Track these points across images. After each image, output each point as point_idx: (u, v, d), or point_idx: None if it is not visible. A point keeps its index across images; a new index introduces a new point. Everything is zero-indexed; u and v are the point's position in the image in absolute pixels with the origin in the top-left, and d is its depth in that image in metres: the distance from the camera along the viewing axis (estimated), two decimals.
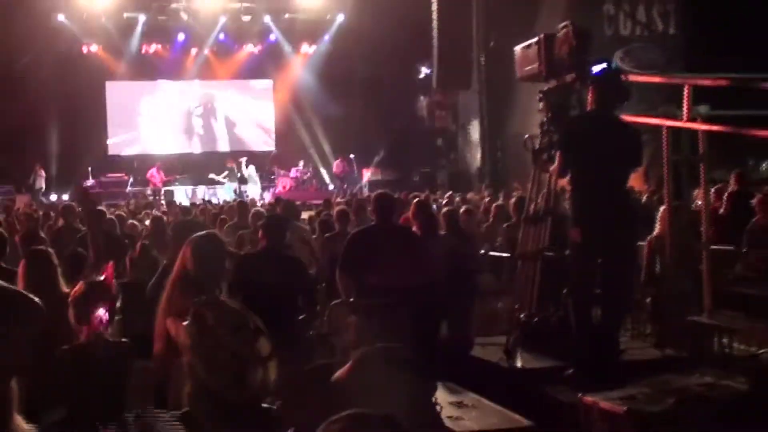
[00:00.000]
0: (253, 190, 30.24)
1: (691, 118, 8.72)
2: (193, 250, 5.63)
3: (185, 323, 3.54)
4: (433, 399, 3.21)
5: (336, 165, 32.17)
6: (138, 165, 31.83)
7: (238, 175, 30.86)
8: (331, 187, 31.15)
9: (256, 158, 32.47)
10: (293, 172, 31.82)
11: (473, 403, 6.05)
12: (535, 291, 8.17)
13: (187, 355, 3.51)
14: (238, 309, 3.50)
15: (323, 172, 33.37)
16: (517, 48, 8.91)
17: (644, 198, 14.92)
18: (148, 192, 29.71)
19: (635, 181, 14.91)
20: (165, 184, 30.85)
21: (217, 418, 3.22)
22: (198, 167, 32.31)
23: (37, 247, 7.04)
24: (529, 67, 8.58)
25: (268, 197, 28.50)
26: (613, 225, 7.24)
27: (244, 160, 31.46)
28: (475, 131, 28.39)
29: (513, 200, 12.17)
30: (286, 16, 32.69)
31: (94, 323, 5.52)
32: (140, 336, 5.80)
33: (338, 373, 3.07)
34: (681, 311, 8.58)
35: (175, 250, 6.13)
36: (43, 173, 29.68)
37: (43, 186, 29.44)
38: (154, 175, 30.83)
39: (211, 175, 31.05)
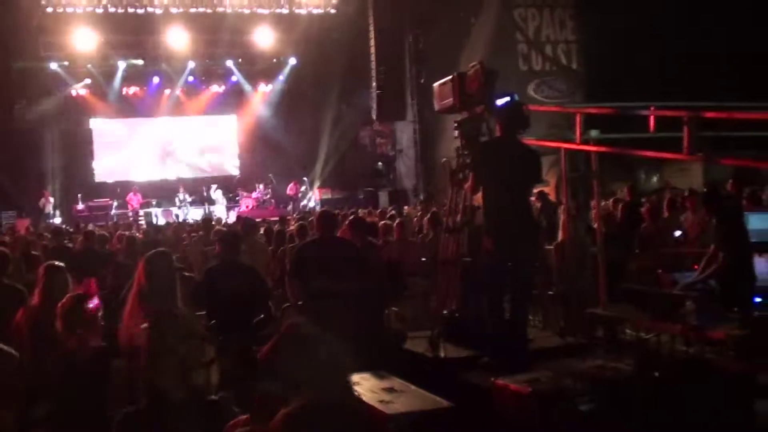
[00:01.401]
0: (220, 210, 30.18)
1: (584, 141, 8.83)
2: (145, 266, 5.61)
3: (143, 330, 3.54)
4: (348, 375, 3.15)
5: (290, 187, 32.12)
6: (121, 190, 31.50)
7: (205, 195, 31.17)
8: (290, 206, 31.07)
9: (221, 182, 32.46)
10: (255, 194, 31.69)
11: (402, 389, 6.04)
12: (455, 291, 8.21)
13: (143, 358, 3.50)
14: (189, 319, 3.51)
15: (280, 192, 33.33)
16: (435, 85, 8.96)
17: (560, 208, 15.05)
18: (129, 214, 29.43)
19: (551, 193, 15.06)
20: (142, 206, 30.57)
21: (165, 412, 3.22)
22: (172, 191, 32.01)
23: (53, 263, 7.02)
24: (446, 101, 8.63)
25: (233, 216, 28.45)
26: (517, 234, 7.30)
27: (213, 186, 31.60)
28: (410, 155, 28.50)
29: (428, 216, 12.26)
30: (245, 60, 32.55)
31: (78, 331, 5.50)
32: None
33: (263, 350, 3.02)
34: (580, 305, 8.67)
35: None
36: (51, 199, 29.37)
37: (51, 210, 29.11)
38: (132, 198, 30.61)
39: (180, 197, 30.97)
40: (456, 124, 8.50)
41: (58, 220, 28.41)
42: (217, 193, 31.39)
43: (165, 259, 5.93)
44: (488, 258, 7.48)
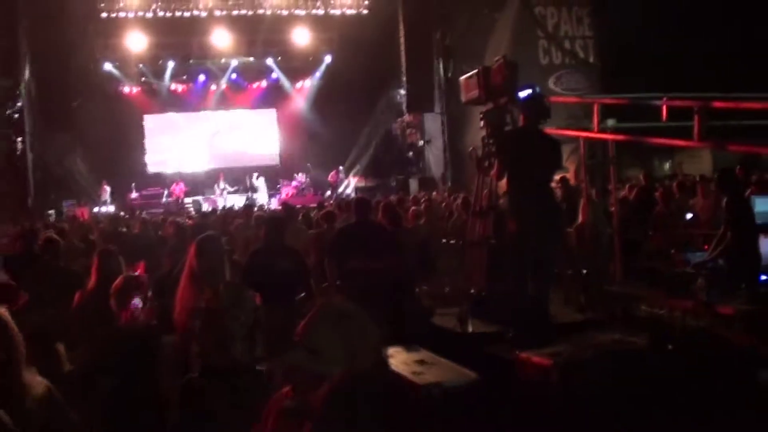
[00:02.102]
0: (262, 197, 30.31)
1: (601, 130, 8.80)
2: (197, 249, 5.63)
3: (197, 308, 3.57)
4: (382, 348, 3.11)
5: (331, 175, 32.33)
6: (171, 180, 31.80)
7: (248, 185, 31.35)
8: (329, 192, 31.16)
9: (263, 172, 32.39)
10: (294, 182, 31.80)
11: (432, 361, 6.05)
12: (482, 271, 8.21)
13: (198, 332, 3.54)
14: (238, 296, 3.53)
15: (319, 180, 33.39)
16: (462, 78, 8.96)
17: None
18: (179, 202, 29.65)
19: (571, 179, 15.01)
20: (186, 195, 30.81)
21: (217, 380, 3.26)
22: (218, 180, 32.21)
23: (107, 247, 7.12)
24: (472, 93, 8.63)
25: (274, 203, 28.59)
26: (540, 217, 7.28)
27: (255, 174, 31.67)
28: (438, 145, 28.44)
29: (458, 201, 12.21)
30: (284, 58, 32.65)
31: (130, 309, 5.57)
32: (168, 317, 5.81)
33: (299, 328, 3.00)
34: (598, 283, 8.65)
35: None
36: (107, 188, 29.59)
37: (108, 199, 29.32)
38: (175, 188, 30.90)
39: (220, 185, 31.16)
40: (481, 115, 8.50)
41: (111, 208, 28.65)
42: (260, 181, 31.42)
43: (215, 242, 5.95)
44: (513, 239, 7.48)
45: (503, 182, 8.06)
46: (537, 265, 7.47)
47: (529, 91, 7.94)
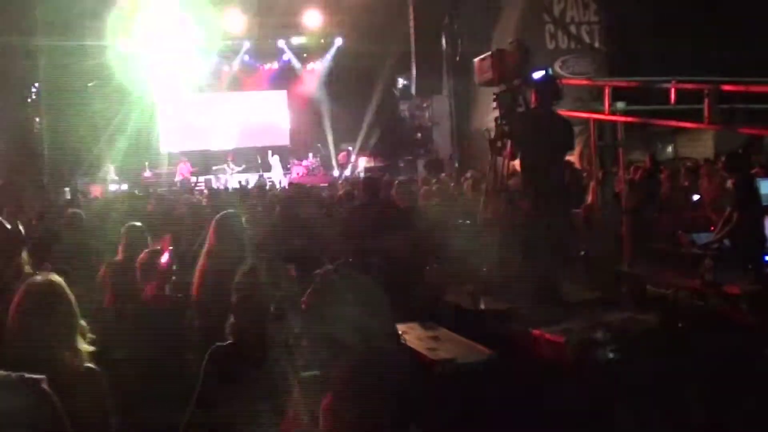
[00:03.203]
0: (276, 176, 30.16)
1: (611, 113, 8.76)
2: (216, 227, 5.63)
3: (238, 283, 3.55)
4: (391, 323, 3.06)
5: (341, 156, 32.42)
6: (179, 160, 31.82)
7: (259, 162, 31.42)
8: (336, 173, 31.13)
9: (275, 152, 32.37)
10: (305, 162, 31.80)
11: (446, 337, 6.06)
12: (495, 249, 8.18)
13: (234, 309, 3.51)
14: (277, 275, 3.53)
15: (329, 160, 33.34)
16: (476, 60, 8.88)
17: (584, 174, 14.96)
18: (193, 180, 29.59)
19: (576, 161, 14.96)
20: (192, 174, 30.67)
21: (248, 349, 3.25)
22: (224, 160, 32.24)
23: (134, 223, 7.15)
24: (485, 75, 8.56)
25: (285, 182, 28.56)
26: (552, 196, 7.26)
27: (270, 152, 31.63)
28: (446, 127, 28.32)
29: (469, 182, 12.13)
30: (295, 40, 32.53)
31: (156, 282, 5.58)
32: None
33: (304, 298, 2.96)
34: (608, 262, 8.62)
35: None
36: (112, 167, 29.45)
37: (115, 177, 29.20)
38: (182, 168, 30.75)
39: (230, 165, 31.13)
40: (494, 96, 8.44)
41: (124, 187, 28.67)
42: (274, 159, 31.31)
43: (234, 219, 5.94)
44: (525, 218, 7.46)
45: (516, 162, 8.05)
46: (548, 244, 7.45)
47: (542, 72, 7.89)
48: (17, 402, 2.60)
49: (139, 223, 7.01)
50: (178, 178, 29.91)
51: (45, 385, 2.70)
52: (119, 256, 6.50)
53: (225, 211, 6.19)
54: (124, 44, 30.06)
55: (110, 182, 28.53)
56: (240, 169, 31.13)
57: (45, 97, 24.60)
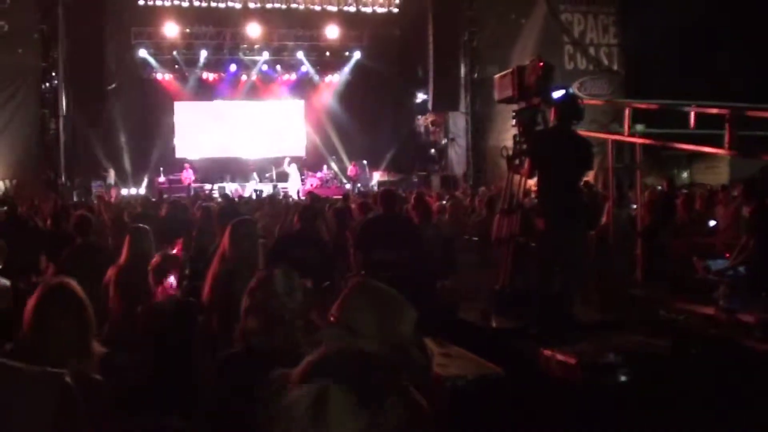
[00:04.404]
0: (293, 186, 29.82)
1: (630, 134, 8.72)
2: (231, 233, 5.61)
3: (251, 289, 3.52)
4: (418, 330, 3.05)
5: (350, 169, 32.18)
6: (199, 166, 31.89)
7: (275, 172, 31.23)
8: (348, 186, 31.08)
9: (292, 160, 32.17)
10: (319, 174, 31.81)
11: (458, 354, 6.00)
12: (507, 268, 8.14)
13: (245, 314, 3.48)
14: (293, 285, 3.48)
15: (341, 174, 33.33)
16: (496, 76, 8.87)
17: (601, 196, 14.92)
18: (207, 187, 29.63)
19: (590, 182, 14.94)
20: (195, 181, 30.66)
21: (257, 358, 3.22)
22: (245, 168, 32.33)
23: (139, 225, 7.12)
24: (505, 92, 8.53)
25: (302, 192, 28.53)
26: (569, 216, 7.22)
27: (287, 159, 31.31)
28: (461, 143, 28.33)
29: (484, 199, 12.07)
30: (314, 52, 32.63)
31: (166, 286, 5.56)
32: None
33: (333, 308, 2.94)
34: (621, 284, 8.57)
35: (222, 230, 6.16)
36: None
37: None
38: (185, 174, 30.66)
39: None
40: (514, 114, 8.41)
41: (143, 191, 28.72)
42: (292, 168, 30.95)
43: (249, 226, 5.93)
44: (540, 237, 7.43)
45: (533, 181, 8.02)
46: (563, 264, 7.41)
47: (563, 91, 7.86)
48: (39, 394, 2.61)
49: (145, 226, 6.97)
50: (194, 186, 29.96)
51: (68, 379, 2.70)
52: (122, 259, 6.48)
53: (241, 217, 6.18)
54: (144, 50, 30.37)
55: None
56: (258, 180, 31.10)
57: (63, 97, 24.60)
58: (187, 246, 8.71)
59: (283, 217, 10.93)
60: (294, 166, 31.05)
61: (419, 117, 32.69)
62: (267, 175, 31.36)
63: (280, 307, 3.39)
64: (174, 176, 30.75)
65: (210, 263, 5.90)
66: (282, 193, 26.03)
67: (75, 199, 22.55)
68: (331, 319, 2.90)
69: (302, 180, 30.95)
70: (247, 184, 30.41)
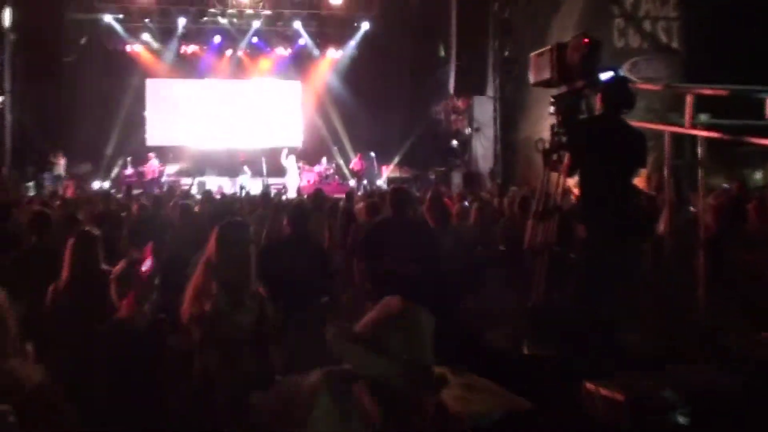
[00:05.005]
0: (292, 182, 29.89)
1: (692, 125, 8.66)
2: (218, 237, 5.58)
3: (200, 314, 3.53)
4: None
5: (354, 162, 32.17)
6: (173, 156, 31.91)
7: (264, 164, 31.30)
8: (352, 182, 31.03)
9: (290, 152, 32.19)
10: (317, 168, 31.83)
11: (482, 387, 5.96)
12: (541, 283, 8.11)
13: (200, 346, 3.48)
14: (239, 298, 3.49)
15: (344, 168, 33.29)
16: (532, 55, 8.83)
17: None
18: (183, 181, 29.63)
19: (640, 184, 14.83)
20: (161, 174, 30.78)
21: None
22: (227, 160, 32.36)
23: (84, 228, 7.01)
24: (542, 73, 8.51)
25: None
26: (616, 223, 7.18)
27: (284, 151, 31.31)
28: (488, 134, 28.27)
29: (515, 201, 12.02)
30: (314, 22, 32.60)
31: (133, 299, 5.55)
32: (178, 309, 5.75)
33: (361, 324, 3.06)
34: (680, 306, 8.51)
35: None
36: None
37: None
38: (147, 166, 30.68)
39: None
40: (552, 100, 8.38)
41: (106, 185, 28.72)
42: (290, 161, 30.97)
43: (240, 230, 5.88)
44: (582, 248, 7.39)
45: (573, 179, 7.98)
46: (609, 280, 7.37)
47: (612, 74, 7.83)
48: None
49: (90, 230, 6.87)
50: (165, 178, 29.98)
51: (12, 418, 2.72)
52: (64, 273, 6.36)
53: (231, 219, 6.16)
54: (109, 15, 30.31)
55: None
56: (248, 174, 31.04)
57: (9, 72, 24.54)
58: (158, 251, 8.69)
59: (270, 219, 10.91)
60: (293, 158, 31.07)
61: (438, 102, 32.61)
62: (257, 169, 31.28)
63: (231, 332, 3.43)
64: (145, 167, 30.70)
65: (187, 272, 5.88)
66: (274, 191, 26.00)
67: (32, 192, 22.57)
68: (357, 334, 3.06)
69: (298, 175, 30.92)
70: (236, 179, 30.36)
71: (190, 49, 33.44)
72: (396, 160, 32.24)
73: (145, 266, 5.80)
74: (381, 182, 30.40)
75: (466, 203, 13.63)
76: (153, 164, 30.62)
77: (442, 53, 29.90)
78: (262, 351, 4.97)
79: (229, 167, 31.72)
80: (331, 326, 3.91)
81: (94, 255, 6.50)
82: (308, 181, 30.48)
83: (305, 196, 19.34)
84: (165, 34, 32.22)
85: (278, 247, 8.34)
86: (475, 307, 8.85)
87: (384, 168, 31.82)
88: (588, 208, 7.43)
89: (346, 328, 3.11)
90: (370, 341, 2.93)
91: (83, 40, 29.63)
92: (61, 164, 28.80)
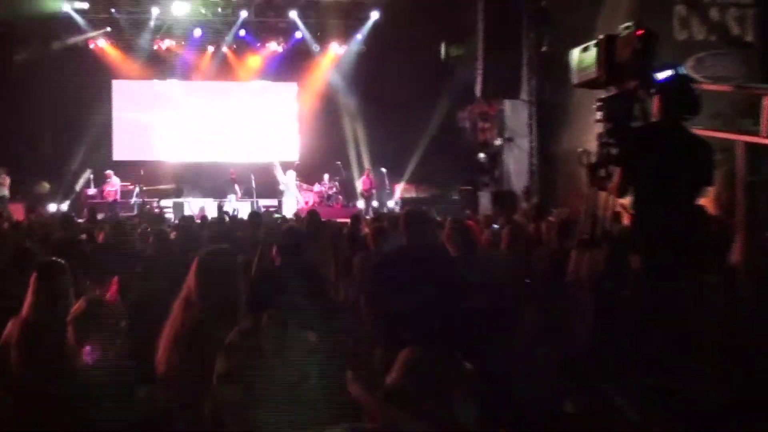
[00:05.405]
0: (289, 202, 29.98)
1: None
2: (199, 268, 5.57)
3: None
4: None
5: (362, 181, 32.14)
6: (146, 173, 31.92)
7: (254, 183, 31.14)
8: (360, 204, 31.00)
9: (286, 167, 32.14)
10: (317, 187, 31.80)
11: None
12: (588, 325, 8.09)
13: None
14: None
15: (350, 187, 33.30)
16: (574, 51, 8.84)
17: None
18: (156, 204, 29.66)
19: (706, 205, 14.76)
20: (132, 194, 31.01)
21: None
22: (210, 177, 32.44)
23: (52, 259, 7.02)
24: (587, 72, 8.51)
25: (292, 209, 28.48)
26: (678, 252, 7.16)
27: (276, 166, 31.28)
28: (522, 145, 28.25)
29: (556, 225, 12.01)
30: (313, 12, 32.72)
31: (95, 345, 5.54)
32: (150, 356, 5.76)
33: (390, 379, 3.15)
34: (759, 353, 8.46)
35: None
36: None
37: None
38: (106, 185, 30.63)
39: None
40: (599, 104, 8.39)
41: (64, 207, 28.75)
42: (289, 176, 30.89)
43: (225, 260, 5.88)
44: (637, 282, 7.38)
45: (625, 200, 7.97)
46: (670, 321, 7.35)
47: (672, 72, 7.83)
48: None
49: (58, 260, 6.88)
50: (135, 200, 30.00)
51: None
52: (25, 309, 6.39)
53: (215, 246, 6.16)
54: (70, 4, 30.44)
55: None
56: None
57: None
58: (125, 288, 8.70)
59: (260, 247, 10.89)
60: (292, 174, 31.00)
61: (463, 107, 32.60)
62: (247, 189, 31.24)
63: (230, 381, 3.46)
64: (111, 186, 30.68)
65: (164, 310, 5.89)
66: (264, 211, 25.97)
67: None
68: (387, 388, 3.24)
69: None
70: (224, 200, 30.32)
71: (165, 44, 33.48)
72: (411, 176, 32.13)
73: (109, 306, 5.81)
74: (393, 203, 30.37)
75: (496, 226, 13.61)
76: (114, 183, 30.56)
77: (466, 49, 29.87)
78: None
79: (214, 186, 31.65)
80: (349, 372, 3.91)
81: (62, 287, 6.51)
82: (306, 202, 30.44)
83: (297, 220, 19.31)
84: (135, 27, 32.27)
85: (269, 281, 8.31)
86: (507, 355, 8.84)
87: (397, 186, 31.78)
88: (643, 235, 7.42)
89: (364, 376, 3.18)
90: (398, 394, 3.01)
91: (37, 36, 29.68)
92: (5, 184, 28.62)
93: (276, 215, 25.07)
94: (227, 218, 21.36)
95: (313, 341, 4.34)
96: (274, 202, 30.33)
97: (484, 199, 28.37)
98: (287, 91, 35.45)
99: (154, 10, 31.57)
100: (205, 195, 31.34)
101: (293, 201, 29.87)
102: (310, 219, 13.78)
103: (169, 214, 27.00)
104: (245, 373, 3.54)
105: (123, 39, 32.79)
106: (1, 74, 26.53)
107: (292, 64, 34.78)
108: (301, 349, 3.62)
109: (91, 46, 32.69)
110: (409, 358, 3.24)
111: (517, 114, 28.53)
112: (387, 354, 6.13)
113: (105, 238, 12.07)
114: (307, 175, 33.09)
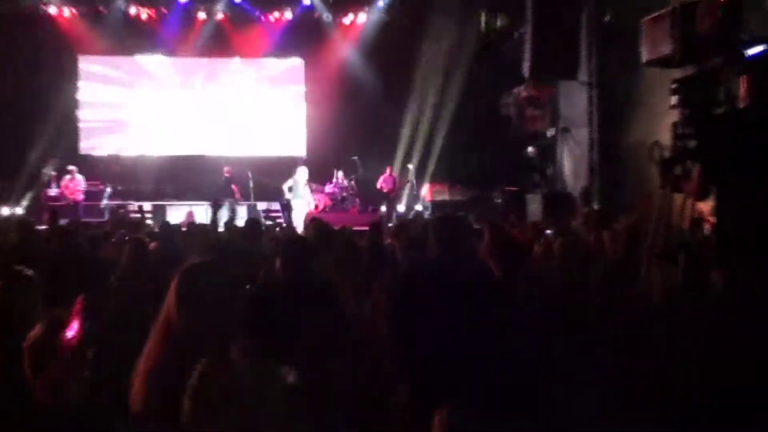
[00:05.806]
0: (300, 206, 29.67)
1: None
2: (179, 286, 5.57)
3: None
4: None
5: (382, 179, 31.98)
6: (121, 169, 31.95)
7: (252, 182, 31.20)
8: (383, 208, 30.84)
9: (280, 166, 32.46)
10: (328, 187, 31.79)
11: None
12: (663, 349, 8.08)
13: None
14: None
15: (369, 186, 33.19)
16: (645, 20, 8.87)
17: None
18: (131, 206, 29.66)
19: None
20: (102, 195, 30.93)
21: None
22: (196, 175, 32.63)
23: (16, 269, 7.03)
24: (659, 48, 8.53)
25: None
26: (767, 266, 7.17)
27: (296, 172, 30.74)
28: (581, 137, 28.19)
29: (622, 234, 11.99)
30: None
31: (53, 376, 5.56)
32: (122, 392, 5.77)
33: None
34: None
35: None
36: None
37: None
38: (68, 184, 30.46)
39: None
40: (674, 86, 8.38)
41: (18, 210, 28.82)
42: (301, 175, 30.35)
43: (212, 276, 5.88)
44: (717, 300, 7.37)
45: (706, 204, 7.97)
46: (756, 346, 7.35)
47: (764, 48, 7.83)
48: None
49: (27, 272, 6.91)
50: (106, 203, 30.04)
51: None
52: None
53: (199, 260, 6.16)
54: None
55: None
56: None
57: None
58: (92, 309, 8.72)
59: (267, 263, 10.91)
60: (304, 171, 30.65)
61: (508, 91, 32.46)
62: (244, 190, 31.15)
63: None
64: (76, 186, 30.67)
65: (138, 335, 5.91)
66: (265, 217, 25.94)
67: None
68: None
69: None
70: (223, 203, 30.24)
71: (144, 13, 33.36)
72: (443, 175, 32.04)
73: (71, 331, 5.83)
74: (422, 207, 30.32)
75: (549, 233, 13.60)
76: (77, 181, 30.42)
77: (512, 20, 29.81)
78: None
79: (205, 186, 31.51)
80: None
81: (29, 304, 6.54)
82: (317, 206, 30.22)
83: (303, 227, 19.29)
84: None
85: (271, 299, 8.29)
86: (565, 401, 8.82)
87: (427, 187, 31.69)
88: (728, 246, 7.41)
89: None
90: None
91: None
92: None
93: (268, 222, 25.04)
94: (222, 225, 21.39)
95: (291, 381, 4.25)
96: (275, 205, 30.23)
97: (534, 203, 28.25)
98: (293, 68, 35.40)
99: None
100: (194, 197, 31.28)
101: (304, 205, 29.67)
102: (314, 229, 13.70)
103: (150, 221, 27.04)
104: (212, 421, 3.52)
105: (90, 4, 32.63)
106: None
107: (299, 37, 34.74)
108: (276, 390, 3.56)
109: (53, 11, 32.45)
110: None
111: (573, 99, 28.44)
112: (413, 394, 6.13)
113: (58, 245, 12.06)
114: (316, 172, 32.65)
